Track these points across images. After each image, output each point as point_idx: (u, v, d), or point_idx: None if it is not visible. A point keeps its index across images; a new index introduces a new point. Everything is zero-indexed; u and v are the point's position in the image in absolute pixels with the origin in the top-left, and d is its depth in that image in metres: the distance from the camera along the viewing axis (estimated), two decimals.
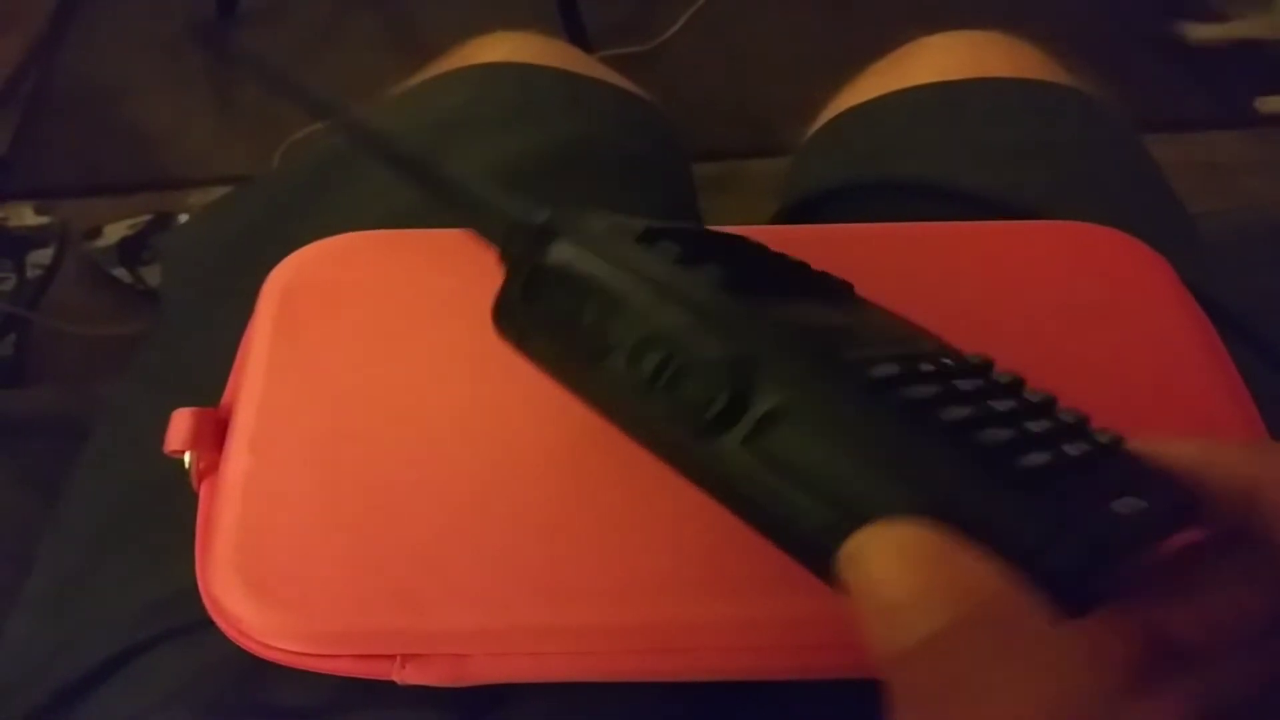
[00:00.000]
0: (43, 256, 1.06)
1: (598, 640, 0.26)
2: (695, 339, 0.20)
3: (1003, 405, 0.20)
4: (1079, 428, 0.21)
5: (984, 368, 0.23)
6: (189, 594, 0.28)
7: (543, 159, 0.41)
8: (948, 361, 0.22)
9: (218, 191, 1.07)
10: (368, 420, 0.29)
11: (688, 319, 0.20)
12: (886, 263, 0.32)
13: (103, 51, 1.26)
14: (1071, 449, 0.19)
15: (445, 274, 0.32)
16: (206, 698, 0.29)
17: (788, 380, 0.20)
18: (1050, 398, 0.22)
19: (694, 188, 0.53)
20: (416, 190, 0.26)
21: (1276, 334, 0.37)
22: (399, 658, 0.26)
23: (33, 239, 1.07)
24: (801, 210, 0.47)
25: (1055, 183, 0.41)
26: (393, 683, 0.26)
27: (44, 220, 1.08)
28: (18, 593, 0.36)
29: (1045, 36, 0.50)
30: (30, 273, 1.04)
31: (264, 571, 0.27)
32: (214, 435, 0.29)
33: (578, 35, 1.16)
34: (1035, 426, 0.20)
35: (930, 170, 0.43)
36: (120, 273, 1.03)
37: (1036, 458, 0.18)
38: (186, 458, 0.29)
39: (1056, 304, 0.32)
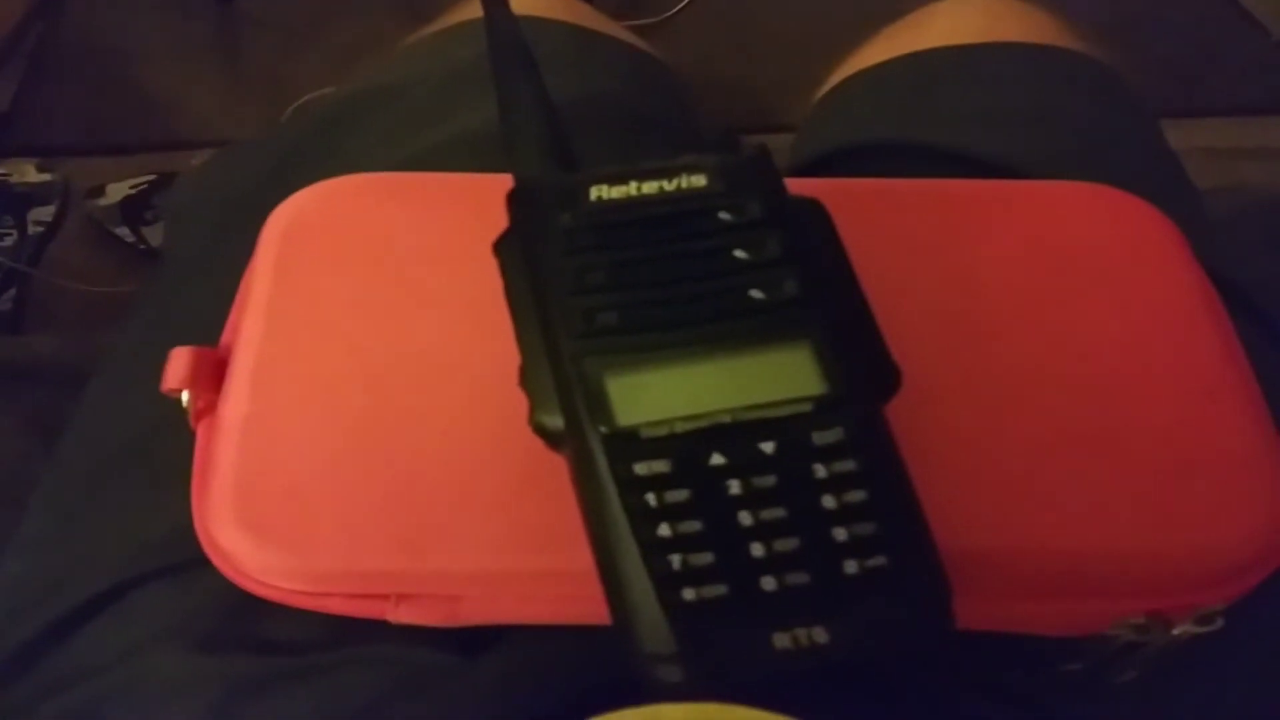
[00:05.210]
0: (45, 213, 1.05)
1: (588, 584, 0.26)
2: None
3: (764, 515, 0.22)
4: (849, 545, 0.21)
5: (799, 462, 0.22)
6: (183, 532, 0.28)
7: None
8: (764, 448, 0.22)
9: None
10: (367, 362, 0.29)
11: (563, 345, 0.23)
12: (892, 218, 0.32)
13: (109, 9, 1.25)
14: (794, 576, 0.21)
15: (447, 217, 0.32)
16: (199, 632, 0.29)
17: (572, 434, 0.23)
18: (853, 504, 0.22)
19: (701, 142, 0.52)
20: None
21: (1275, 311, 0.37)
22: (393, 597, 0.27)
23: (35, 196, 1.06)
24: (808, 171, 0.46)
25: (1067, 147, 0.41)
26: (385, 620, 0.27)
27: (46, 177, 1.08)
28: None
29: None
30: (32, 229, 1.04)
31: (260, 511, 0.27)
32: (212, 375, 0.29)
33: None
34: (780, 545, 0.21)
35: (939, 133, 0.42)
36: (123, 231, 1.02)
37: (709, 590, 0.21)
38: (184, 397, 0.29)
39: (1064, 262, 0.32)
